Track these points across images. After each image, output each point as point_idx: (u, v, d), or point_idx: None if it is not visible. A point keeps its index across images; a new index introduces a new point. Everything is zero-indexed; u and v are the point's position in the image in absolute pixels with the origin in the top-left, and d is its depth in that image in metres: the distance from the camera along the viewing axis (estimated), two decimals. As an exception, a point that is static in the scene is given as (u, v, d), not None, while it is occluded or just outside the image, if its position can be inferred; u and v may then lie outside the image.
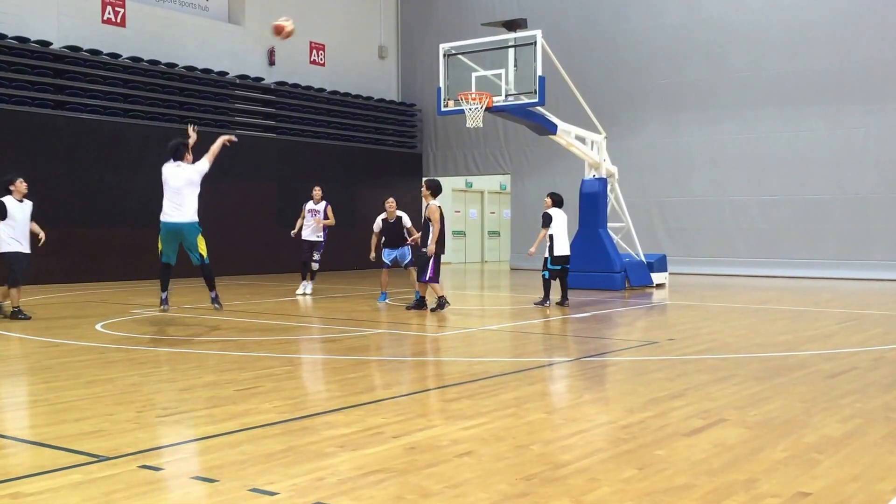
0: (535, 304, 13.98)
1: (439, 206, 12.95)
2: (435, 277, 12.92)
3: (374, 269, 24.75)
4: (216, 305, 11.42)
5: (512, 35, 16.59)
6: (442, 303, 12.94)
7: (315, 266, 16.05)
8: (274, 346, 9.40)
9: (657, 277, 18.56)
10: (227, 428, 5.41)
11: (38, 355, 8.68)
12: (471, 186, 31.65)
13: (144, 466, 4.52)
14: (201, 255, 11.04)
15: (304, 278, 16.08)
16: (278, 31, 12.74)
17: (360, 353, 8.83)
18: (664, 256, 19.58)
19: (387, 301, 14.45)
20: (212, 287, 11.38)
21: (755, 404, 6.20)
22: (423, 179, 13.96)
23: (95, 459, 4.68)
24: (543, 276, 13.97)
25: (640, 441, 5.12)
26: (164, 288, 11.37)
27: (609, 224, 18.20)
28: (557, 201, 14.07)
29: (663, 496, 4.08)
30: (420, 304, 13.04)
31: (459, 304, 14.29)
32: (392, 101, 28.45)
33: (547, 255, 13.88)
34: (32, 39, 19.34)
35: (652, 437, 5.24)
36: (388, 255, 14.48)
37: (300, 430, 5.38)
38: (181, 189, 10.94)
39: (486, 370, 7.73)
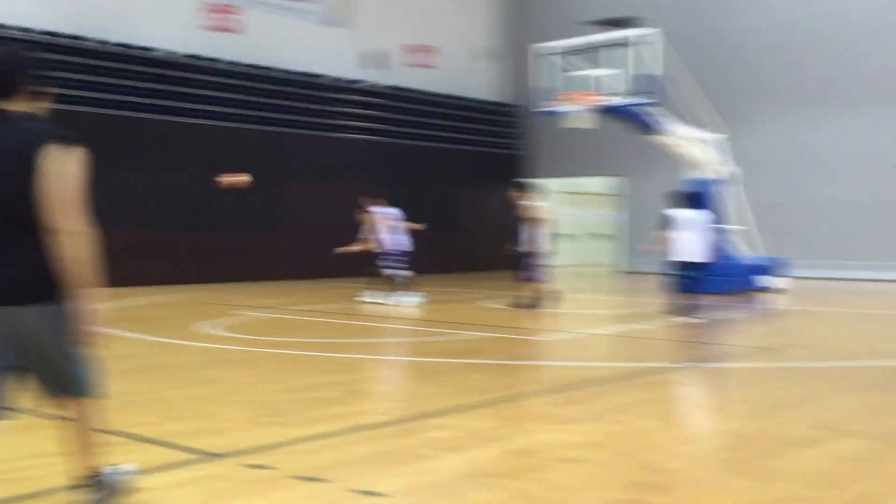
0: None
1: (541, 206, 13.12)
2: (535, 277, 13.06)
3: (474, 272, 24.80)
4: None
5: (620, 33, 16.31)
6: (534, 302, 12.98)
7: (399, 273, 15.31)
8: (378, 348, 9.43)
9: (776, 282, 17.91)
10: (331, 429, 5.42)
11: (147, 355, 8.91)
12: (579, 189, 31.31)
13: (252, 465, 4.56)
14: None
15: (388, 289, 14.94)
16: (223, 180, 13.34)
17: (465, 356, 8.77)
18: (784, 260, 18.91)
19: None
20: None
21: (878, 415, 5.89)
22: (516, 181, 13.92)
23: (204, 457, 4.74)
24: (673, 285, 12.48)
25: (754, 451, 4.91)
26: None
27: (728, 226, 17.64)
28: (676, 200, 12.59)
29: (782, 509, 3.89)
30: (529, 304, 13.10)
31: (571, 307, 14.08)
32: (495, 102, 28.38)
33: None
34: (150, 48, 19.99)
35: (768, 447, 5.01)
36: None
37: (405, 432, 5.35)
38: None
39: (596, 375, 7.57)
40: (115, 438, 5.14)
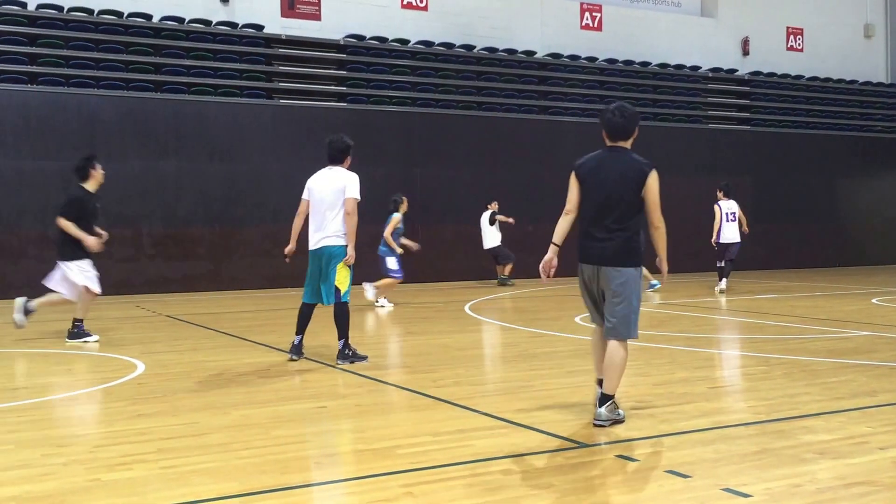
0: None
1: None
2: None
3: (861, 266, 23.07)
4: (339, 360, 8.01)
5: None
6: None
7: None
8: (748, 344, 9.19)
9: None
10: (699, 425, 5.43)
11: (525, 344, 9.40)
12: None
13: (621, 456, 4.72)
14: (338, 291, 7.90)
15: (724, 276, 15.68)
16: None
17: (842, 356, 8.28)
18: None
19: None
20: (342, 334, 8.04)
21: None
22: None
23: (576, 445, 4.98)
24: None
25: None
26: (300, 330, 8.23)
27: None
28: None
29: None
30: None
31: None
32: (880, 84, 26.21)
33: None
34: (519, 50, 20.96)
35: None
36: None
37: (775, 432, 5.22)
38: (328, 202, 7.93)
39: None
40: (491, 421, 5.56)
